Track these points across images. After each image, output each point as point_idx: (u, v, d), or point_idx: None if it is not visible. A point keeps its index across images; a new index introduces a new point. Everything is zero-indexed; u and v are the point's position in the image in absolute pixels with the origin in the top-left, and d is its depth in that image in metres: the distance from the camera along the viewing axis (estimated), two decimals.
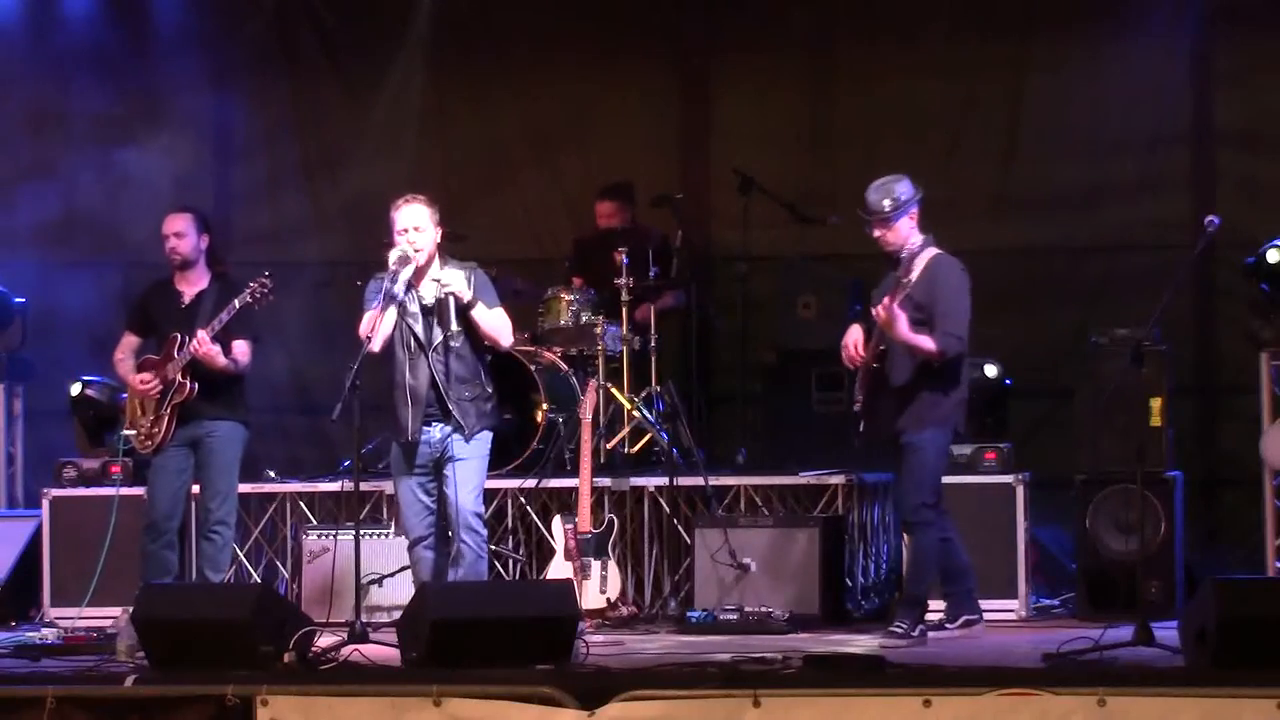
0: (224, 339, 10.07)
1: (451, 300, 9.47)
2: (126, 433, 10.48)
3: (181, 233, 10.27)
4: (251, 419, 10.40)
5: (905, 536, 9.84)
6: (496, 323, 9.61)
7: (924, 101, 12.47)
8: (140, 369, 10.27)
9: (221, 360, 10.07)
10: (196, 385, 10.08)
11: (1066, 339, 11.49)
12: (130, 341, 10.41)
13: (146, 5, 12.80)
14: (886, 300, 9.34)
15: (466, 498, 9.52)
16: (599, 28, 12.71)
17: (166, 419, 10.13)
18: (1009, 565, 10.57)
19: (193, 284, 10.31)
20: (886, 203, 9.52)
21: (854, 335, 9.68)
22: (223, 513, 10.21)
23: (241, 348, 10.16)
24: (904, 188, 9.56)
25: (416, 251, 9.45)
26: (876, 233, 9.56)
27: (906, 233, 9.56)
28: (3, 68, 12.75)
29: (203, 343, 9.97)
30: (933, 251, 9.55)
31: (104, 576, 10.63)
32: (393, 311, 9.44)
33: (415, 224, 9.49)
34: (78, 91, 12.80)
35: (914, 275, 9.35)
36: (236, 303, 9.99)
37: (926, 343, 9.41)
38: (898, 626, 9.48)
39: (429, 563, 9.63)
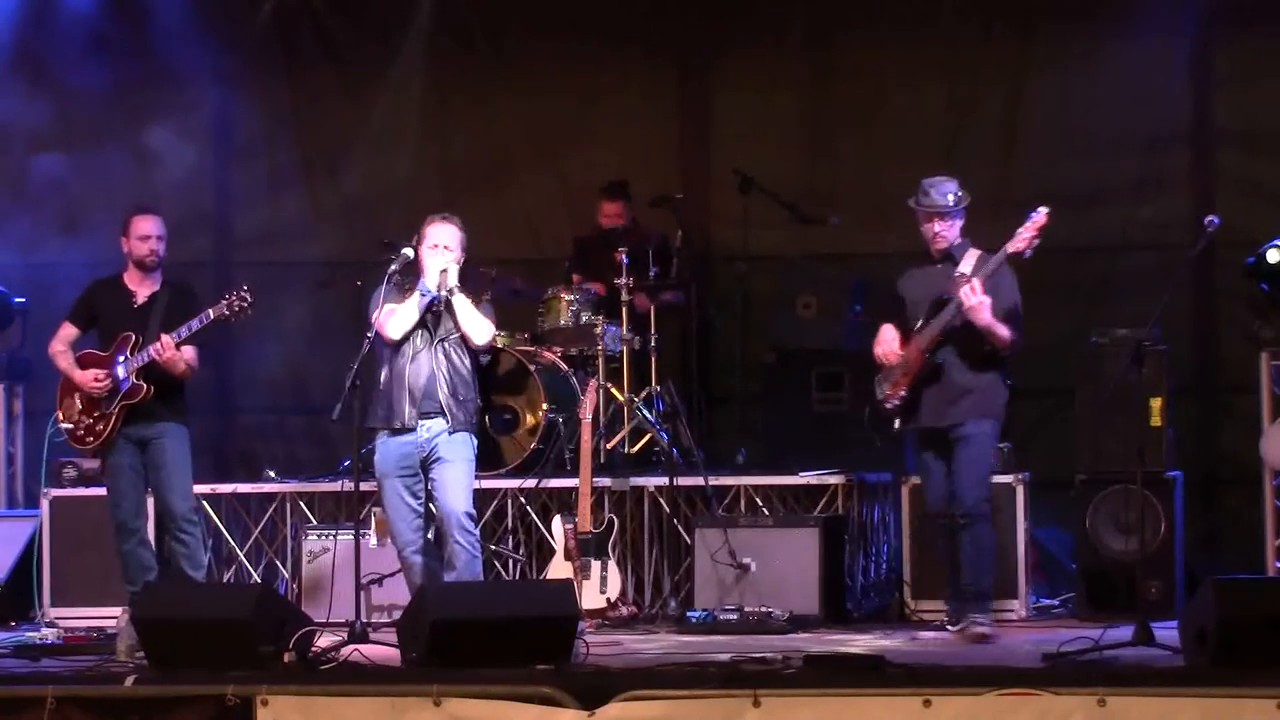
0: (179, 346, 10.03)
1: (444, 279, 9.58)
2: (62, 425, 10.34)
3: (163, 235, 10.28)
4: (194, 421, 10.38)
5: (959, 531, 9.66)
6: (474, 319, 9.71)
7: (924, 101, 12.47)
8: (82, 364, 10.22)
9: (182, 365, 10.04)
10: (152, 388, 10.05)
11: (1066, 339, 11.48)
12: (69, 333, 10.34)
13: (146, 5, 12.79)
14: (978, 283, 9.43)
15: (457, 499, 9.57)
16: (599, 28, 12.70)
17: (113, 417, 10.10)
18: (1009, 565, 10.56)
19: (148, 285, 10.27)
20: (950, 198, 9.71)
21: (891, 332, 9.78)
22: (186, 508, 10.16)
23: (192, 354, 10.12)
24: (958, 187, 9.75)
25: (445, 270, 9.64)
26: (937, 227, 9.70)
27: (959, 231, 9.74)
28: (1, 68, 12.73)
29: (167, 347, 9.92)
30: (975, 251, 9.69)
31: (103, 577, 10.66)
32: (416, 309, 9.56)
33: (446, 242, 9.70)
34: (77, 91, 12.78)
35: (969, 269, 9.52)
36: (211, 313, 9.93)
37: (1004, 330, 9.54)
38: (979, 619, 9.53)
39: (420, 568, 9.65)
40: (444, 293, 9.64)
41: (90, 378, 10.12)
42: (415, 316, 9.64)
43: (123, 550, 10.18)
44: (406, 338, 9.65)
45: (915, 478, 10.83)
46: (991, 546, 9.70)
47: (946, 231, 9.70)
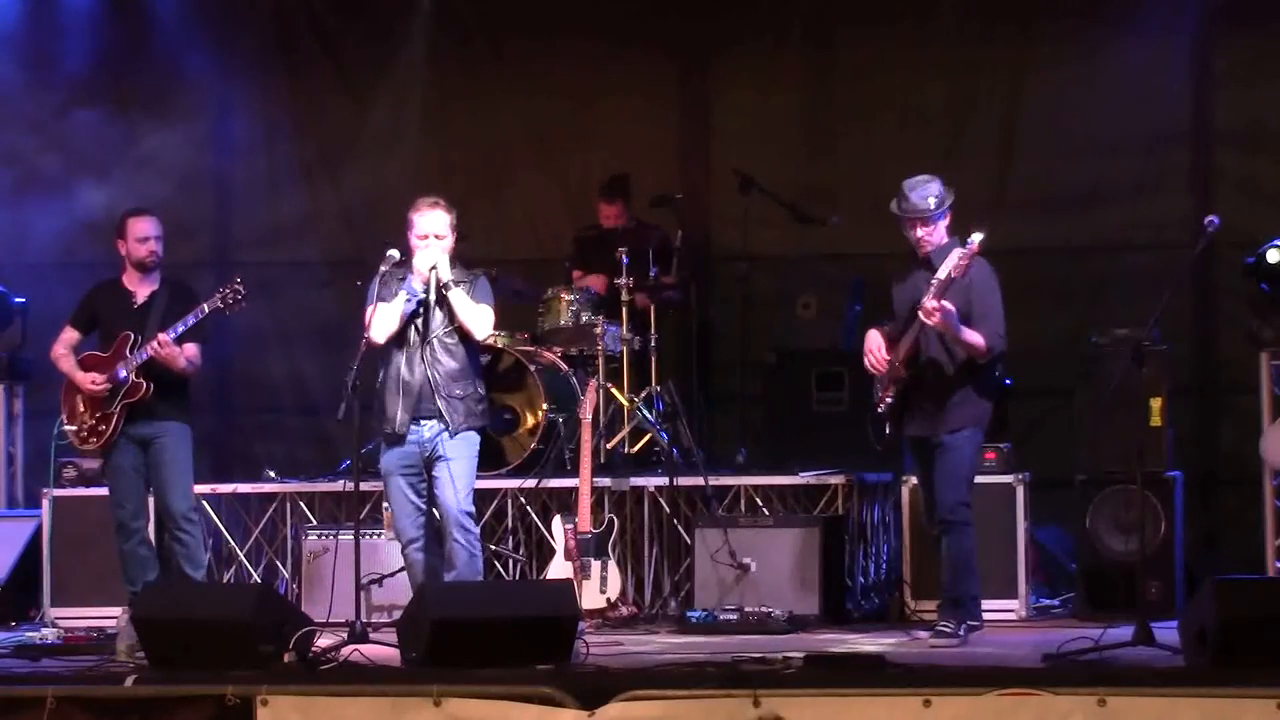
0: (178, 342, 10.05)
1: (434, 277, 9.47)
2: (66, 428, 10.36)
3: (160, 235, 10.31)
4: (195, 421, 10.38)
5: (943, 537, 9.65)
6: (473, 312, 9.58)
7: (924, 101, 12.47)
8: (84, 366, 10.25)
9: (182, 362, 10.07)
10: (152, 386, 10.07)
11: (1066, 339, 11.49)
12: (71, 336, 10.39)
13: (147, 6, 12.79)
14: (934, 299, 9.28)
15: (457, 497, 9.53)
16: (599, 27, 12.70)
17: (115, 417, 10.12)
18: (1009, 565, 10.58)
19: (147, 285, 10.30)
20: (931, 201, 9.53)
21: (875, 340, 9.67)
22: (186, 508, 10.19)
23: (193, 350, 10.16)
24: (939, 188, 9.57)
25: (435, 266, 9.47)
26: (920, 232, 9.53)
27: (944, 232, 9.58)
28: (2, 68, 12.74)
29: (165, 344, 9.97)
30: (958, 250, 9.49)
31: (103, 577, 10.66)
32: (398, 312, 9.43)
33: (436, 231, 9.53)
34: (77, 91, 12.79)
35: (946, 274, 9.33)
36: (206, 307, 9.98)
37: (976, 338, 9.42)
38: (945, 626, 9.48)
39: (421, 564, 9.64)
40: (433, 294, 9.49)
41: (89, 379, 10.15)
42: (398, 319, 9.49)
43: (123, 550, 10.20)
44: (401, 338, 9.57)
45: (915, 478, 10.85)
46: (970, 552, 9.56)
47: (930, 236, 9.54)
